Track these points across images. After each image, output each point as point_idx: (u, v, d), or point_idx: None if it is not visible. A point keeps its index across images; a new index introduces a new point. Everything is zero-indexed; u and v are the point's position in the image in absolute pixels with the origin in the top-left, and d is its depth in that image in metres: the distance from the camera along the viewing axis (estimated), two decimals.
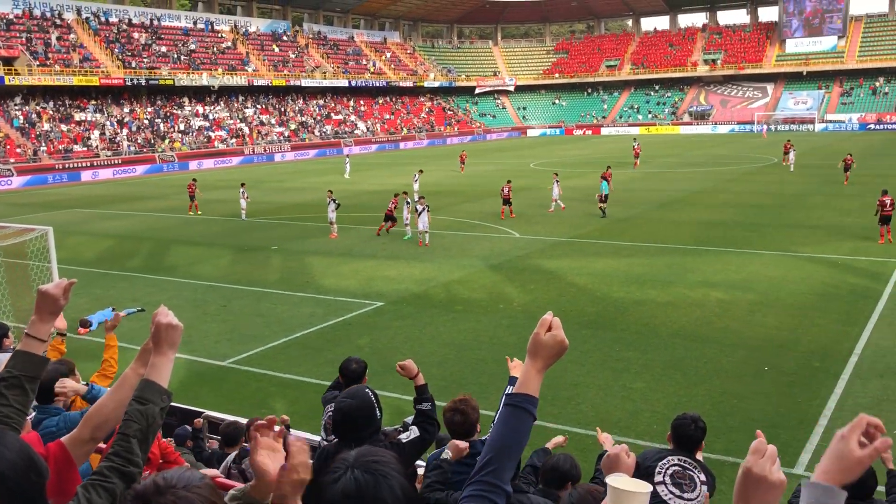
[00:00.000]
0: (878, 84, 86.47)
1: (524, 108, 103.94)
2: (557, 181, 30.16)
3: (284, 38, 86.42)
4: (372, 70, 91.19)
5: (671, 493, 4.64)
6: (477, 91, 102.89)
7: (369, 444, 3.95)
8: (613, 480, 2.20)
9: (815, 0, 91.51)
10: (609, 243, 23.27)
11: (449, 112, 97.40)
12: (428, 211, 23.44)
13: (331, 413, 5.21)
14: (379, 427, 4.16)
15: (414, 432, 4.14)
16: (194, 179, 34.32)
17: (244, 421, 7.47)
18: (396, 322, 15.59)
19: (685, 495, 4.66)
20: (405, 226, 25.27)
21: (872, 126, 79.33)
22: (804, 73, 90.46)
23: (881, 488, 5.12)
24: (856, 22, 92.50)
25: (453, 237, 25.19)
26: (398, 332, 14.88)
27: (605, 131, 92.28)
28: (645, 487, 2.19)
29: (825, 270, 18.82)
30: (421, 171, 35.59)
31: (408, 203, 25.34)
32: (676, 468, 4.77)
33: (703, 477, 4.75)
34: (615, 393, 11.41)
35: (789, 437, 9.65)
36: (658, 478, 4.66)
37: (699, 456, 5.02)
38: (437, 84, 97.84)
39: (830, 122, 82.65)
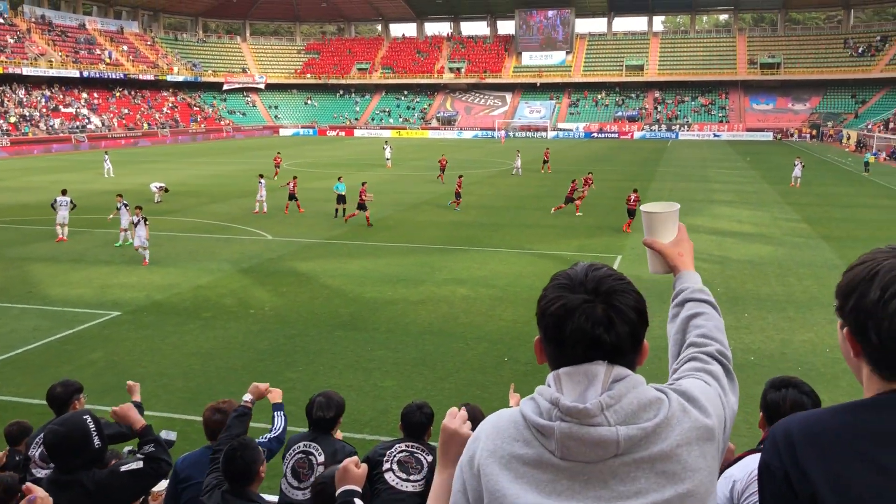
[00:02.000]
0: (599, 97, 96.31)
1: (276, 107, 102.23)
2: (262, 182, 29.66)
3: (1, 20, 77.29)
4: (108, 61, 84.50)
5: (398, 477, 4.95)
6: (225, 87, 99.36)
7: (85, 472, 3.84)
8: (646, 207, 2.27)
9: (545, 17, 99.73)
10: (362, 244, 23.53)
11: (195, 108, 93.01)
12: (146, 224, 20.41)
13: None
14: (97, 455, 3.93)
15: (138, 464, 3.97)
16: None
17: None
18: (135, 333, 14.51)
19: (412, 477, 4.98)
20: (121, 230, 22.98)
21: (596, 134, 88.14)
22: (538, 85, 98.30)
23: None
24: (580, 40, 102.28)
25: (200, 240, 24.03)
26: (137, 344, 13.85)
27: (358, 133, 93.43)
28: (673, 205, 2.29)
29: (556, 266, 20.46)
30: (166, 190, 32.58)
31: (126, 205, 23.00)
32: (404, 454, 5.09)
33: (430, 458, 5.04)
34: (367, 392, 11.52)
35: None
36: (385, 465, 4.97)
37: (428, 440, 5.34)
38: (181, 78, 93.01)
39: (561, 130, 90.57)
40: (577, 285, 1.72)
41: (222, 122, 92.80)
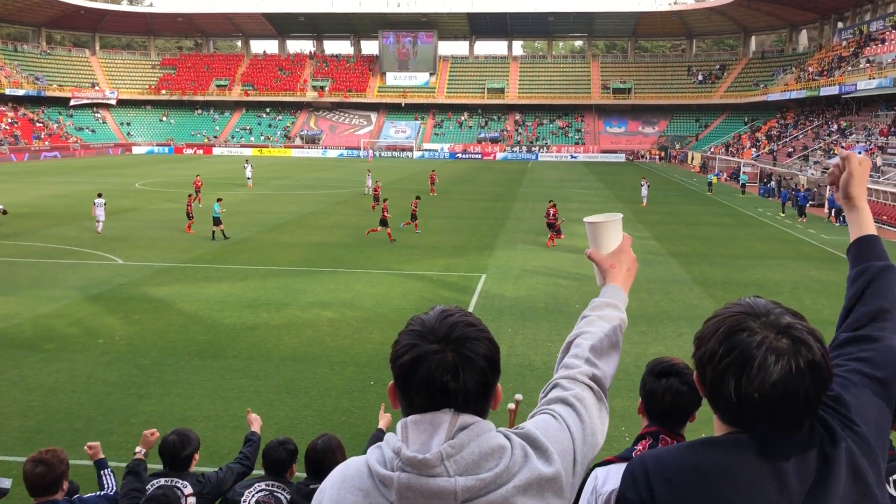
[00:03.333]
0: (463, 118, 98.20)
1: (128, 124, 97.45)
2: (100, 202, 28.31)
3: None
4: None
5: None
6: (72, 103, 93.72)
7: None
8: (588, 218, 2.24)
9: (408, 37, 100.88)
10: (222, 267, 22.69)
11: (38, 124, 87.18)
12: None
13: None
14: None
15: None
16: None
17: None
18: None
19: None
20: None
21: (460, 155, 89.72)
22: (403, 105, 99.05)
23: None
24: (444, 61, 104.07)
25: (43, 266, 22.40)
26: None
27: (217, 151, 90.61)
28: (616, 215, 2.24)
29: (423, 286, 20.57)
30: (5, 212, 29.89)
31: None
32: (263, 493, 4.87)
33: (289, 496, 4.85)
34: (225, 423, 11.03)
35: None
36: None
37: (291, 478, 5.20)
38: (22, 93, 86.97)
39: (426, 150, 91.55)
40: (429, 332, 1.74)
41: (69, 140, 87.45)
